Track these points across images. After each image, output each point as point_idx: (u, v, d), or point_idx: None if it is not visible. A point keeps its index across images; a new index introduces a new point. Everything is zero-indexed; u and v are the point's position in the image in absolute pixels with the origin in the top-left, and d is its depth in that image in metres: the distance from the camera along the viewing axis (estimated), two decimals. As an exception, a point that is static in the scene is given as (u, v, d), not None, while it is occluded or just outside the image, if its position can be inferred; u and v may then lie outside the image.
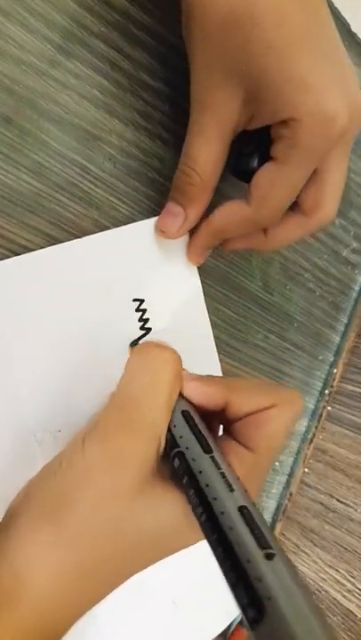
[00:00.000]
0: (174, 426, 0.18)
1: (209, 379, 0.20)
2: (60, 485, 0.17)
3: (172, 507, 0.17)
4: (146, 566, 0.19)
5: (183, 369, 0.20)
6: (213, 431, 0.21)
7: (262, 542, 0.14)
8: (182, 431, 0.18)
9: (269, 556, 0.13)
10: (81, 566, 0.17)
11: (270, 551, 0.14)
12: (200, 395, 0.19)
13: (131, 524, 0.17)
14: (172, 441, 0.18)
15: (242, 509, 0.15)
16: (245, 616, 0.13)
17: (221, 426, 0.21)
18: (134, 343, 0.25)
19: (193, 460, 0.17)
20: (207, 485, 0.16)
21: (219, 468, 0.16)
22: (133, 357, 0.19)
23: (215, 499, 0.15)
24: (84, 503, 0.16)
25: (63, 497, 0.17)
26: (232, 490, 0.16)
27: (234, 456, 0.19)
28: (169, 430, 0.18)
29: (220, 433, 0.21)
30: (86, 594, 0.18)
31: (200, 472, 0.16)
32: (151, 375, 0.18)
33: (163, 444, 0.18)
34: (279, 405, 0.19)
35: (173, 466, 0.17)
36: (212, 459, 0.17)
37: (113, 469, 0.17)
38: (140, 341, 0.24)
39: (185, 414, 0.18)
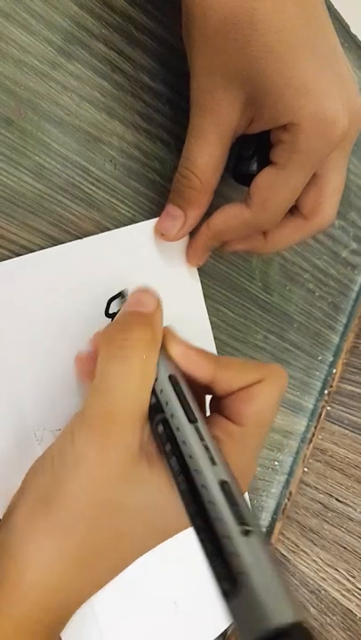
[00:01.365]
0: (161, 390, 0.18)
1: (199, 350, 0.20)
2: (53, 476, 0.18)
3: (159, 483, 0.17)
4: (143, 552, 0.19)
5: (174, 332, 0.20)
6: (201, 404, 0.21)
7: (240, 518, 0.14)
8: (168, 397, 0.18)
9: (246, 533, 0.14)
10: (78, 553, 0.17)
11: (247, 528, 0.14)
12: (190, 363, 0.19)
13: (123, 507, 0.17)
14: (157, 406, 0.18)
15: (223, 484, 0.15)
16: (219, 588, 0.13)
17: (208, 404, 0.21)
18: (113, 298, 0.25)
19: (177, 428, 0.17)
20: (190, 457, 0.16)
21: (202, 440, 0.16)
22: (101, 346, 0.19)
23: (197, 471, 0.16)
24: (77, 490, 0.17)
25: (56, 486, 0.17)
26: (215, 463, 0.16)
27: (221, 431, 0.19)
28: (155, 394, 0.18)
29: (208, 413, 0.21)
30: (85, 581, 0.18)
31: (183, 442, 0.16)
32: (120, 365, 0.18)
33: (145, 419, 0.18)
34: (266, 380, 0.19)
35: (157, 432, 0.18)
36: (197, 429, 0.17)
37: (101, 456, 0.17)
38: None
39: (172, 380, 0.18)
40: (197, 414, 0.18)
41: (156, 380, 0.18)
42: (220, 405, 0.20)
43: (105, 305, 0.25)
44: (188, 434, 0.17)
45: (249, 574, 0.13)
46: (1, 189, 0.22)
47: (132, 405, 0.17)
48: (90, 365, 0.22)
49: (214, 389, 0.19)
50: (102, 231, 0.25)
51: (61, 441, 0.18)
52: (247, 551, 0.13)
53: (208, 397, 0.21)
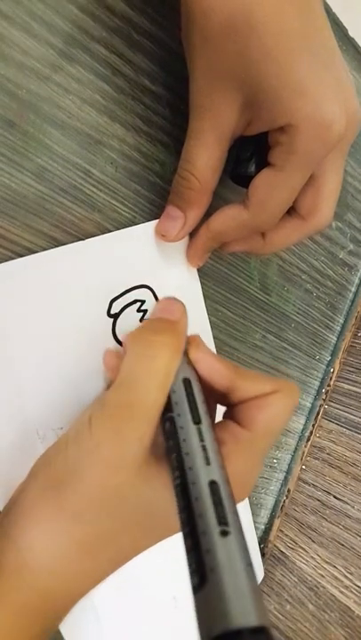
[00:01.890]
0: (174, 391, 0.19)
1: (220, 357, 0.21)
2: (67, 462, 0.18)
3: (165, 482, 0.18)
4: (144, 548, 0.19)
5: (198, 336, 0.21)
6: (211, 407, 0.22)
7: (221, 519, 0.15)
8: (179, 397, 0.19)
9: (224, 533, 0.14)
10: (84, 540, 0.17)
11: (226, 529, 0.14)
12: (209, 368, 0.20)
13: (131, 498, 0.18)
14: (168, 404, 0.19)
15: (212, 484, 0.16)
16: (191, 581, 0.14)
17: (220, 411, 0.22)
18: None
19: (181, 427, 0.18)
20: (187, 454, 0.17)
21: (202, 440, 0.17)
22: (131, 343, 0.20)
23: (190, 468, 0.16)
24: (91, 476, 0.17)
25: (71, 473, 0.18)
26: (208, 463, 0.16)
27: (229, 433, 0.19)
28: (168, 394, 0.19)
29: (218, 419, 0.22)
30: (88, 572, 0.18)
31: (184, 440, 0.17)
32: (147, 362, 0.19)
33: (160, 414, 0.19)
34: (281, 392, 0.20)
35: (164, 428, 0.18)
36: (199, 430, 0.18)
37: (117, 444, 0.17)
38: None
39: (186, 382, 0.19)
40: (203, 417, 0.18)
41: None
42: (232, 412, 0.20)
43: (107, 305, 0.25)
44: (189, 433, 0.17)
45: (218, 572, 0.13)
46: (3, 191, 0.22)
47: (152, 402, 0.18)
48: (116, 361, 0.23)
49: (230, 396, 0.20)
50: (103, 232, 0.25)
51: (78, 427, 0.18)
52: (221, 550, 0.14)
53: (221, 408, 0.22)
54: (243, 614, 0.12)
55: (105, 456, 0.17)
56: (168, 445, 0.18)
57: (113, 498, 0.17)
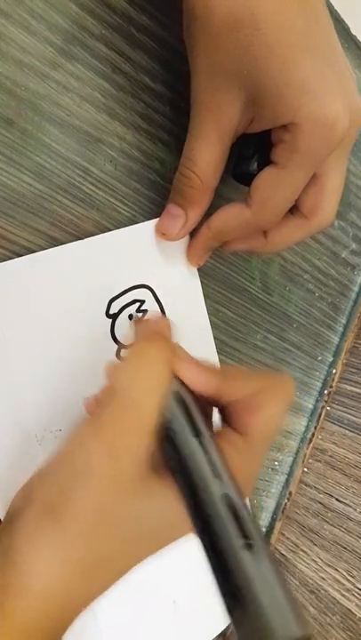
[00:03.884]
0: (167, 408, 0.18)
1: (203, 364, 0.20)
2: (60, 482, 0.18)
3: (168, 496, 0.17)
4: (146, 557, 0.19)
5: (180, 348, 0.21)
6: (208, 416, 0.21)
7: (243, 532, 0.14)
8: (174, 413, 0.18)
9: (248, 546, 0.14)
10: (83, 561, 0.17)
11: (250, 541, 0.14)
12: (194, 378, 0.19)
13: (130, 516, 0.17)
14: (164, 422, 0.18)
15: (226, 497, 0.15)
16: (223, 603, 0.13)
17: (216, 409, 0.21)
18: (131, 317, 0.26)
19: (182, 443, 0.17)
20: (194, 470, 0.16)
21: (206, 453, 0.17)
22: (130, 358, 0.19)
23: (200, 485, 0.16)
24: (85, 498, 0.17)
25: (64, 493, 0.17)
26: (218, 477, 0.16)
27: (227, 442, 0.19)
28: (161, 412, 0.18)
29: (215, 417, 0.21)
30: (87, 590, 0.18)
31: (188, 457, 0.17)
32: (140, 375, 0.18)
33: (155, 434, 0.18)
34: (271, 390, 0.19)
35: (164, 447, 0.18)
36: (201, 443, 0.17)
37: (111, 463, 0.17)
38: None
39: (178, 396, 0.18)
40: (202, 428, 0.18)
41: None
42: (226, 415, 0.20)
43: (106, 305, 0.25)
44: (192, 448, 0.17)
45: (252, 589, 0.13)
46: (1, 190, 0.22)
47: (148, 416, 0.17)
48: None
49: (219, 400, 0.20)
50: (102, 231, 0.25)
51: (69, 446, 0.18)
52: (250, 565, 0.13)
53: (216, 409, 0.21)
54: (285, 627, 0.12)
55: (98, 476, 0.17)
56: (171, 465, 0.17)
57: (109, 520, 0.17)
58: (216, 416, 0.21)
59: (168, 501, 0.17)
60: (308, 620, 0.35)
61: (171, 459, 0.17)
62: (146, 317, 0.22)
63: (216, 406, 0.21)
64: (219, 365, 0.31)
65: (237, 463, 0.18)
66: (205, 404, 0.20)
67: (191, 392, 0.19)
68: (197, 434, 0.17)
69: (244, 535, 0.14)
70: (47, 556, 0.17)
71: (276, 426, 0.19)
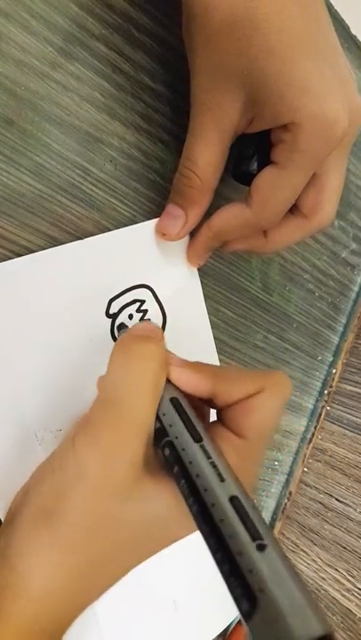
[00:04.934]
0: (163, 414, 0.18)
1: (196, 366, 0.20)
2: (53, 486, 0.18)
3: (163, 499, 0.17)
4: (143, 560, 0.19)
5: (171, 353, 0.20)
6: (204, 417, 0.21)
7: (254, 533, 0.14)
8: (172, 419, 0.18)
9: (261, 548, 0.13)
10: (79, 565, 0.17)
11: (262, 542, 0.14)
12: (187, 382, 0.19)
13: (125, 520, 0.17)
14: (161, 429, 0.18)
15: (233, 500, 0.15)
16: (239, 608, 0.13)
17: (213, 411, 0.21)
18: (120, 327, 0.25)
19: (183, 449, 0.17)
20: (198, 476, 0.16)
21: (209, 458, 0.16)
22: (116, 356, 0.19)
23: (206, 490, 0.15)
24: (78, 503, 0.17)
25: (57, 498, 0.17)
26: (223, 480, 0.16)
27: (226, 444, 0.19)
28: (158, 419, 0.18)
29: (212, 419, 0.21)
30: (85, 591, 0.18)
31: (190, 462, 0.16)
32: (135, 374, 0.18)
33: (151, 436, 0.18)
34: (267, 390, 0.19)
35: (164, 455, 0.17)
36: (202, 448, 0.17)
37: (104, 467, 0.17)
38: (121, 333, 0.24)
39: (174, 402, 0.18)
40: (202, 432, 0.17)
41: (159, 403, 0.18)
42: (222, 417, 0.20)
43: (105, 305, 0.25)
44: (194, 453, 0.16)
45: (269, 590, 0.12)
46: (1, 190, 0.22)
47: (141, 419, 0.17)
48: None
49: (215, 402, 0.20)
50: (102, 231, 0.25)
51: (63, 451, 0.18)
52: (264, 566, 0.13)
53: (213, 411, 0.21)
54: (305, 627, 0.12)
55: (91, 481, 0.17)
56: (173, 472, 0.17)
57: (105, 523, 0.17)
58: (213, 417, 0.21)
59: (163, 504, 0.17)
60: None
61: (172, 466, 0.17)
62: (134, 326, 0.22)
63: (212, 407, 0.21)
64: (219, 366, 0.31)
65: (236, 465, 0.18)
66: (201, 404, 0.20)
67: (186, 395, 0.19)
68: (198, 439, 0.17)
69: (257, 537, 0.14)
70: (44, 558, 0.17)
71: (273, 425, 0.19)
